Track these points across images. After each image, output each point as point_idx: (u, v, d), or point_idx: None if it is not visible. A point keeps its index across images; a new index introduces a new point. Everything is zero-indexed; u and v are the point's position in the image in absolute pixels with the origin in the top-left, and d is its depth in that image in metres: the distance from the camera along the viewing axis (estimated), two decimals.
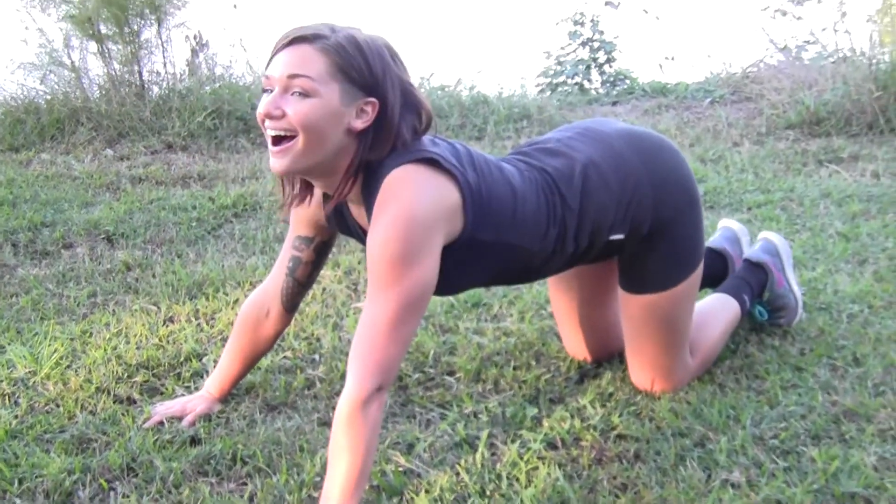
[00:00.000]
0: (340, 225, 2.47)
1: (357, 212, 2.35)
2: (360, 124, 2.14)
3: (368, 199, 2.19)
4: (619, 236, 2.49)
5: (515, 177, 2.36)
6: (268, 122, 2.12)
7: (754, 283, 3.09)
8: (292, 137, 2.11)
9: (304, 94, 2.08)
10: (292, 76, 2.08)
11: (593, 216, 2.42)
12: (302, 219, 2.54)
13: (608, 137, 2.53)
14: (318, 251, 2.60)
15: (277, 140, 2.13)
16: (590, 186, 2.41)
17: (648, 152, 2.53)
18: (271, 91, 2.13)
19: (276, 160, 2.14)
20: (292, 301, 2.67)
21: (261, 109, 2.12)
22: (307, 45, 2.09)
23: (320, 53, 2.08)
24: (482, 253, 2.31)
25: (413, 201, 2.08)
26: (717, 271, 3.20)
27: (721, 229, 3.38)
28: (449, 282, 2.28)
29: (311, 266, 2.62)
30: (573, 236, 2.42)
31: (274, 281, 2.66)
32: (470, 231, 2.23)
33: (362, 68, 2.11)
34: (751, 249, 3.22)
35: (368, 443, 2.07)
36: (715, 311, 2.94)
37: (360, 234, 2.39)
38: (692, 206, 2.58)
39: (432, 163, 2.16)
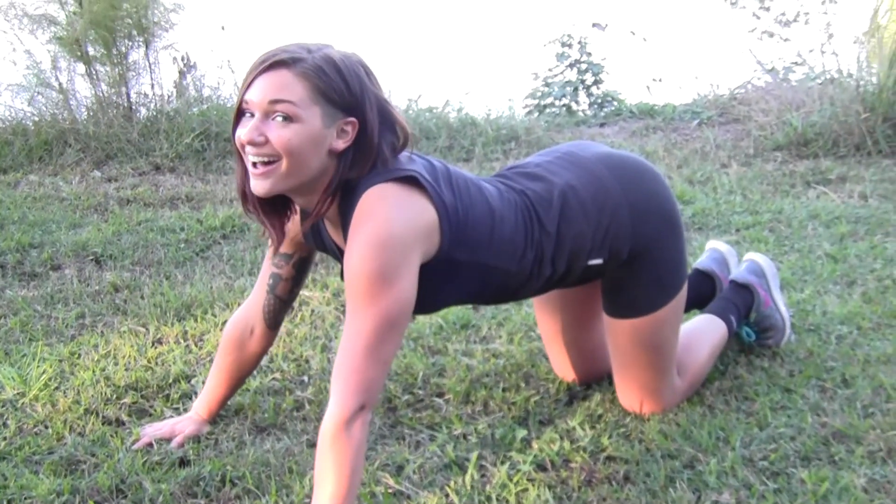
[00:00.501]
0: (318, 242, 2.46)
1: (333, 231, 2.35)
2: (341, 144, 2.14)
3: (345, 218, 2.19)
4: (598, 261, 2.49)
5: (494, 197, 2.36)
6: (249, 149, 2.11)
7: (740, 304, 3.09)
8: (275, 161, 2.11)
9: (287, 120, 2.07)
10: (274, 101, 2.07)
11: (571, 241, 2.43)
12: None
13: (588, 162, 2.53)
14: (298, 268, 2.60)
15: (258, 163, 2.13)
16: (568, 211, 2.42)
17: (628, 177, 2.53)
18: (250, 115, 2.12)
19: (259, 182, 2.13)
20: (275, 318, 2.67)
21: (243, 136, 2.10)
22: (286, 70, 2.08)
23: (300, 78, 2.08)
24: (458, 272, 2.31)
25: (389, 220, 2.09)
26: (705, 293, 3.20)
27: (709, 250, 3.38)
28: (425, 301, 2.27)
29: (292, 282, 2.61)
30: (550, 259, 2.43)
31: (255, 299, 2.66)
32: (447, 250, 2.23)
33: (342, 89, 2.11)
34: (736, 270, 3.23)
35: (354, 463, 2.07)
36: (702, 332, 2.94)
37: (337, 253, 2.38)
38: (673, 231, 2.58)
39: (409, 181, 2.16)
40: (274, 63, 2.09)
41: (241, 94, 2.14)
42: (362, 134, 2.15)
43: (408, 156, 2.26)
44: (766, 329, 3.12)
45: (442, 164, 2.33)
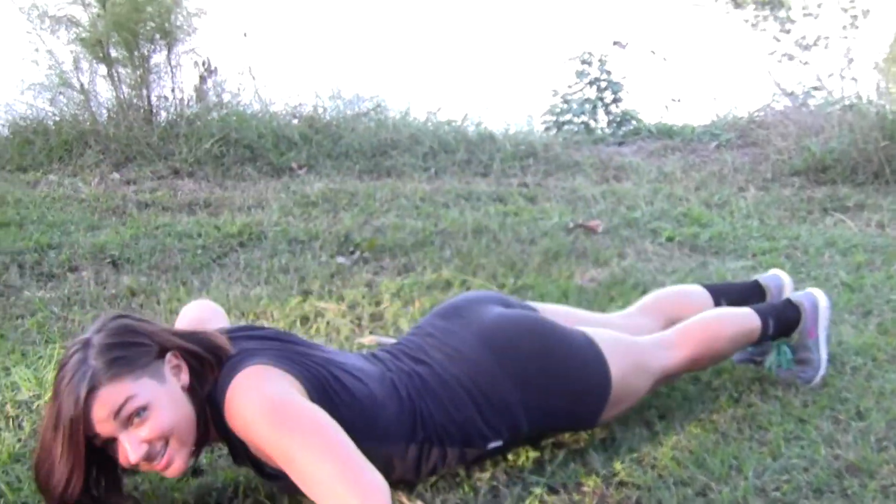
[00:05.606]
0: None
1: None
2: (185, 377, 2.20)
3: (222, 429, 2.21)
4: (498, 443, 2.51)
5: (374, 379, 2.39)
6: (143, 464, 2.12)
7: (783, 318, 3.05)
8: (167, 446, 2.13)
9: (141, 411, 2.08)
10: (116, 412, 2.06)
11: (458, 427, 2.43)
12: None
13: (470, 350, 2.53)
14: None
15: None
16: (453, 400, 2.44)
17: (507, 352, 2.55)
18: (112, 439, 2.10)
19: (171, 470, 2.16)
20: None
21: (132, 459, 2.09)
22: (97, 390, 2.05)
23: (110, 378, 2.07)
24: None
25: (262, 387, 2.11)
26: (751, 301, 3.19)
27: (771, 275, 3.39)
28: None
29: None
30: (439, 442, 2.41)
31: None
32: None
33: (139, 348, 2.14)
34: (796, 293, 3.20)
35: None
36: (734, 314, 2.97)
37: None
38: (576, 386, 2.61)
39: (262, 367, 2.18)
40: (87, 394, 2.05)
41: (79, 434, 2.07)
42: (186, 356, 2.21)
43: (259, 346, 2.29)
44: (801, 360, 3.08)
45: (305, 345, 2.40)
